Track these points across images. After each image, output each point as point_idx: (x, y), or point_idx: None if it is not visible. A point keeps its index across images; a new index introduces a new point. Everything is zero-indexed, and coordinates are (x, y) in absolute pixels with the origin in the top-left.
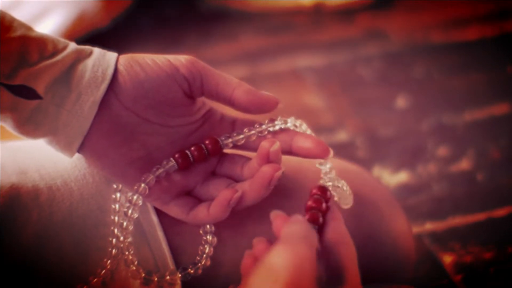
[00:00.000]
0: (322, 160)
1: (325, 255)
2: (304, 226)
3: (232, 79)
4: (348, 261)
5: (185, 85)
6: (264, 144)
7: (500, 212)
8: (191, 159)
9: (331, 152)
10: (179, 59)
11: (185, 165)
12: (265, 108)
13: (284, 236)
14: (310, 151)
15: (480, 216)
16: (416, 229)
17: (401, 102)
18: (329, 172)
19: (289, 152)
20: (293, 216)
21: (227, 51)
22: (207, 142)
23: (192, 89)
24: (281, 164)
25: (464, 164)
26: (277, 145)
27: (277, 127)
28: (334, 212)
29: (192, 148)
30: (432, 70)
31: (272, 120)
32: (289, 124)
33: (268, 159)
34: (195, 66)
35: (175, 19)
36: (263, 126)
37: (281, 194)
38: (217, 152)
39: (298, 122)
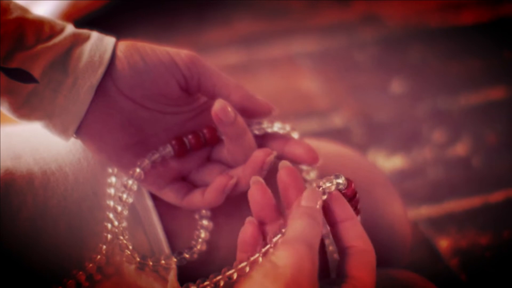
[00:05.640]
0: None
1: (343, 258)
2: (307, 224)
3: (229, 81)
4: (366, 268)
5: (182, 81)
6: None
7: (496, 196)
8: (188, 146)
9: (320, 160)
10: (180, 54)
11: (181, 152)
12: (260, 114)
13: (287, 234)
14: (301, 157)
15: (476, 201)
16: (412, 213)
17: (397, 87)
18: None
19: (281, 156)
20: (309, 189)
21: (222, 36)
22: (205, 131)
23: (188, 85)
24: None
25: (460, 149)
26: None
27: (275, 129)
28: (347, 210)
29: (190, 136)
30: (428, 55)
31: (271, 121)
32: (287, 129)
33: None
34: (195, 63)
35: (171, 4)
36: (263, 125)
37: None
38: (214, 141)
39: (295, 134)
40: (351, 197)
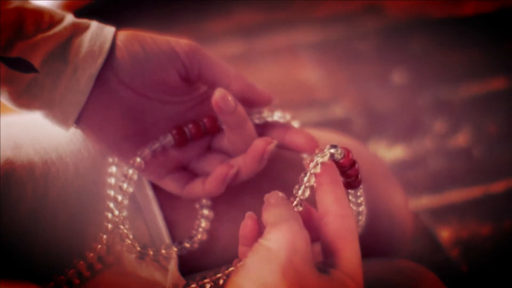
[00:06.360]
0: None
1: (322, 227)
2: (285, 208)
3: (230, 71)
4: (347, 236)
5: (182, 70)
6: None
7: (497, 186)
8: (188, 135)
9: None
10: (180, 44)
11: (182, 142)
12: (260, 104)
13: (271, 218)
14: (302, 146)
15: (477, 191)
16: (413, 203)
17: (398, 77)
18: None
19: (281, 145)
20: (271, 193)
21: (223, 26)
22: (205, 120)
23: (189, 75)
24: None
25: (461, 139)
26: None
27: (275, 118)
28: (332, 173)
29: (190, 125)
30: (429, 45)
31: (271, 111)
32: (287, 118)
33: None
34: (195, 53)
35: None
36: (263, 115)
37: (277, 167)
38: (215, 130)
39: (295, 123)
40: (349, 167)
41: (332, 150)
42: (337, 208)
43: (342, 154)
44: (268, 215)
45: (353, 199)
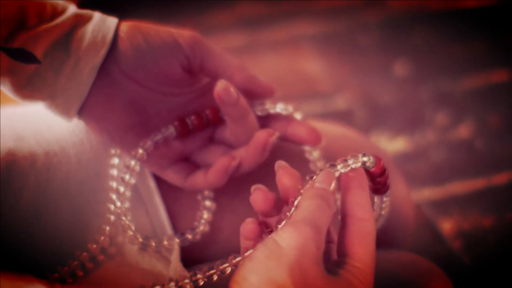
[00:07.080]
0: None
1: (341, 227)
2: (317, 205)
3: (232, 62)
4: (365, 239)
5: (184, 62)
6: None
7: (499, 178)
8: (191, 127)
9: (323, 141)
10: (183, 35)
11: (184, 133)
12: (262, 95)
13: (296, 214)
14: (304, 138)
15: (479, 183)
16: (415, 195)
17: (400, 69)
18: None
19: (283, 137)
20: (326, 172)
21: (226, 19)
22: (207, 111)
23: (191, 66)
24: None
25: (463, 131)
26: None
27: (278, 110)
28: (360, 179)
29: (192, 117)
30: (431, 38)
31: (274, 102)
32: (290, 110)
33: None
34: (197, 44)
35: None
36: (266, 106)
37: (279, 159)
38: (217, 122)
39: (298, 115)
40: (379, 175)
41: (365, 159)
42: (360, 212)
43: (374, 163)
44: (302, 205)
45: (377, 201)
